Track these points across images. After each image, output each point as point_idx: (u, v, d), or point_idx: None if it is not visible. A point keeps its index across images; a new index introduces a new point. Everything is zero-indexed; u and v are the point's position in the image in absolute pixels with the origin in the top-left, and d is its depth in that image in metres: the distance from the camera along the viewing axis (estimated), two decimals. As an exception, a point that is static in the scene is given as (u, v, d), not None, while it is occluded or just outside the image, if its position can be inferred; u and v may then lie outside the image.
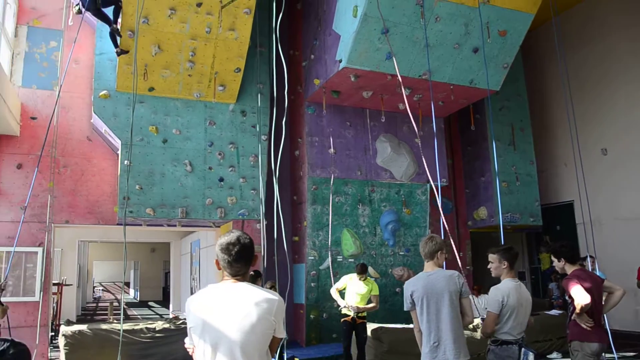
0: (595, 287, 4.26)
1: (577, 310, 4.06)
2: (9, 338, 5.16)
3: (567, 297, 4.35)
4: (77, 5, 7.65)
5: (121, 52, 8.18)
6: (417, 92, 9.31)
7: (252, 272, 6.21)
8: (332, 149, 9.88)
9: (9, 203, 8.65)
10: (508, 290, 4.04)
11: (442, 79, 8.87)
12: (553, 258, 4.55)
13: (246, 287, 2.48)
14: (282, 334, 2.50)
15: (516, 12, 8.54)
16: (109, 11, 7.92)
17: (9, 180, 8.71)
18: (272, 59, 7.22)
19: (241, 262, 2.51)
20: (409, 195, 10.53)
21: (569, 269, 4.39)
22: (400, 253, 10.34)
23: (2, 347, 4.96)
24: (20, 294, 8.54)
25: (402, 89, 6.68)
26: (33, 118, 9.02)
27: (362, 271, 7.28)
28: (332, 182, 9.73)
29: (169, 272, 22.02)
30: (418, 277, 3.96)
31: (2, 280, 6.67)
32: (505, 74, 9.22)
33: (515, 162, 11.59)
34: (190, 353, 2.56)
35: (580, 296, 4.09)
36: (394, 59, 7.44)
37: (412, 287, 3.91)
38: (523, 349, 4.01)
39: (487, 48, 8.48)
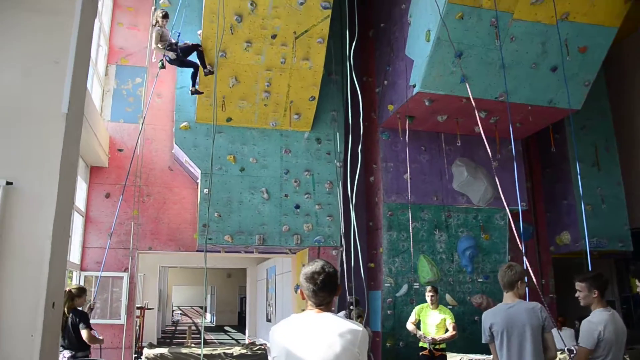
0: None
1: None
2: (100, 359, 5.36)
3: None
4: (160, 61, 8.02)
5: (195, 92, 8.43)
6: (494, 114, 9.04)
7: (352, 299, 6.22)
8: (407, 175, 9.73)
9: (98, 230, 9.08)
10: (604, 322, 3.75)
11: (519, 100, 8.58)
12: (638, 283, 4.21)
13: (330, 318, 2.47)
14: None
15: (597, 27, 8.13)
16: (192, 58, 8.27)
17: (98, 209, 9.18)
18: (346, 86, 7.25)
19: (325, 291, 2.50)
20: (487, 220, 10.18)
21: None
22: (479, 280, 9.95)
23: None
24: (107, 316, 8.98)
25: (477, 112, 6.48)
26: (120, 150, 9.51)
27: (434, 291, 7.23)
28: (408, 208, 9.58)
29: (245, 297, 22.33)
30: (497, 309, 3.77)
31: (91, 301, 6.91)
32: (587, 92, 8.78)
33: (600, 184, 10.93)
34: None
35: None
36: (466, 83, 7.24)
37: (491, 319, 3.73)
38: None
39: (567, 66, 8.08)
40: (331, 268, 2.54)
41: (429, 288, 7.54)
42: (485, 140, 5.87)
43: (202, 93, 8.45)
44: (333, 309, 2.62)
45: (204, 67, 8.19)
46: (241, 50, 8.38)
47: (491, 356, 3.87)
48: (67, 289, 5.49)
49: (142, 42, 9.98)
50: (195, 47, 8.14)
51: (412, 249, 9.42)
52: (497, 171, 7.25)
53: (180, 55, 7.95)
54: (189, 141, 9.02)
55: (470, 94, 6.35)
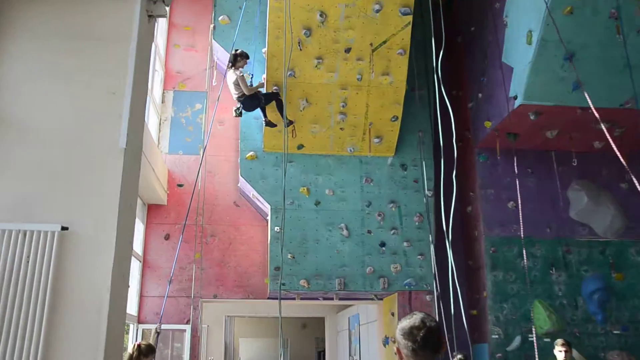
0: None
1: None
2: None
3: None
4: (237, 109, 8.40)
5: (269, 124, 8.68)
6: (619, 125, 8.59)
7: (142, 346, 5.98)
8: (511, 203, 9.48)
9: (157, 277, 9.28)
10: None
11: (653, 106, 8.08)
12: None
13: None
14: None
15: None
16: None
17: (157, 252, 9.40)
18: (434, 102, 7.31)
19: (428, 349, 2.41)
20: (619, 255, 9.58)
21: None
22: (615, 332, 9.29)
23: None
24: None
25: (600, 123, 6.17)
26: (180, 185, 9.77)
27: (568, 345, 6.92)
28: (514, 243, 9.31)
29: (323, 351, 22.19)
30: None
31: (157, 325, 7.23)
32: None
33: None
34: None
35: None
36: (583, 90, 6.95)
37: None
38: None
39: None
40: (433, 322, 2.47)
41: (560, 342, 7.15)
42: (619, 155, 5.59)
43: (275, 125, 8.66)
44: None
45: (282, 116, 8.50)
46: (311, 68, 8.55)
47: None
48: (137, 342, 5.72)
49: (200, 64, 10.34)
50: (276, 96, 8.54)
51: (524, 292, 9.13)
52: (628, 194, 6.83)
53: (263, 102, 8.43)
54: (257, 173, 9.22)
55: (590, 103, 6.11)
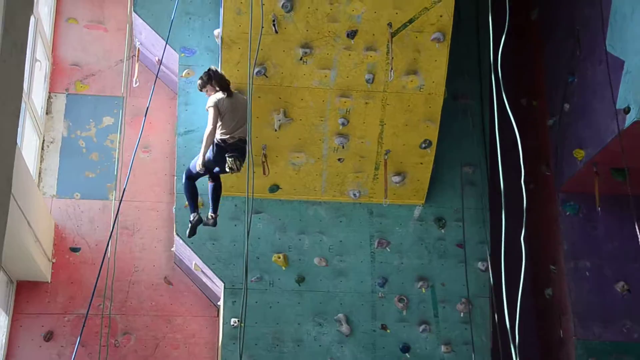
0: None
1: None
2: None
3: None
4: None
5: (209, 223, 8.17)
6: None
7: None
8: (622, 284, 9.03)
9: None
10: None
11: None
12: None
13: None
14: None
15: None
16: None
17: (29, 365, 8.97)
18: (491, 118, 7.27)
19: None
20: None
21: None
22: None
23: None
24: None
25: None
26: (74, 249, 9.27)
27: None
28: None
29: None
30: None
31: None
32: None
33: None
34: None
35: None
36: None
37: None
38: None
39: None
40: None
41: None
42: None
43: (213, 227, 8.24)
44: None
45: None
46: (293, 62, 8.19)
47: None
48: None
49: (112, 51, 10.03)
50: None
51: None
52: None
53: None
54: (202, 229, 8.39)
55: None
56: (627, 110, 7.76)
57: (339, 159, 8.69)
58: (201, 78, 7.92)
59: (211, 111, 7.67)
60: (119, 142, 9.39)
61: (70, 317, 8.88)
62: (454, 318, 8.79)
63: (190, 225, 7.95)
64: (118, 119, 9.47)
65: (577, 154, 8.83)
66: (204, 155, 7.66)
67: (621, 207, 9.14)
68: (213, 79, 7.82)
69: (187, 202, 8.10)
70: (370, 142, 8.61)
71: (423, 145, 8.64)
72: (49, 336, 8.78)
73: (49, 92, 9.61)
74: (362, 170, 8.83)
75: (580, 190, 9.21)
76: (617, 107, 7.89)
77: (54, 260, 9.10)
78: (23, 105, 8.48)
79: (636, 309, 9.12)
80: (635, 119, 7.61)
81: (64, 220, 9.31)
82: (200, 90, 7.97)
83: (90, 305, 7.28)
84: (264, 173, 8.41)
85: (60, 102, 9.58)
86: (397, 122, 8.50)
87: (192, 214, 7.93)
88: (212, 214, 8.05)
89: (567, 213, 9.39)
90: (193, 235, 8.03)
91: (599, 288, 9.10)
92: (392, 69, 8.09)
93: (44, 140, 9.49)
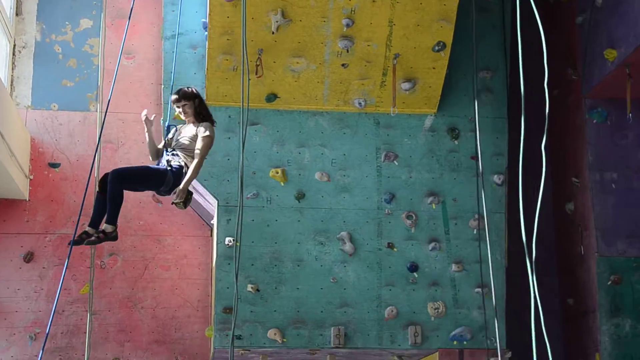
0: None
1: None
2: None
3: None
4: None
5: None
6: None
7: None
8: (652, 197, 8.60)
9: (9, 327, 8.48)
10: None
11: None
12: None
13: None
14: None
15: None
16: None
17: (9, 285, 8.57)
18: (512, 16, 7.70)
19: None
20: None
21: None
22: None
23: None
24: None
25: None
26: (53, 165, 8.97)
27: None
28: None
29: None
30: None
31: None
32: None
33: None
34: None
35: None
36: None
37: None
38: None
39: None
40: None
41: None
42: None
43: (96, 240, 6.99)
44: None
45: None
46: None
47: None
48: None
49: None
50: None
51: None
52: None
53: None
54: (195, 143, 8.42)
55: None
56: None
57: (342, 65, 8.17)
58: (187, 89, 7.06)
59: (210, 141, 6.85)
60: (100, 47, 9.14)
61: (51, 237, 8.58)
62: (466, 235, 8.41)
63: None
64: (98, 21, 9.14)
65: (608, 54, 8.32)
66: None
67: None
68: (197, 98, 6.98)
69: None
70: (377, 45, 8.08)
71: (436, 48, 8.11)
72: (29, 257, 8.49)
73: (20, -11, 9.29)
74: (368, 77, 8.33)
75: (610, 96, 8.84)
76: None
77: (31, 177, 8.72)
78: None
79: None
80: None
81: (41, 133, 8.90)
82: (178, 101, 6.91)
83: (77, 225, 6.63)
84: (257, 75, 7.93)
85: (31, 1, 9.07)
86: (408, 22, 7.93)
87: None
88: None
89: (594, 121, 8.98)
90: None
91: (626, 202, 8.84)
92: (402, -39, 7.90)
93: (14, 45, 9.00)
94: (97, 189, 6.77)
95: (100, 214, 6.60)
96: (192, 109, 6.83)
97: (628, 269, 8.67)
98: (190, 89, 7.13)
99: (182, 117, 6.95)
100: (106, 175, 6.46)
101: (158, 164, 6.83)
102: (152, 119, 6.80)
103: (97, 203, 6.67)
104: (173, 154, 6.73)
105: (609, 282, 8.59)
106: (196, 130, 6.69)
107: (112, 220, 6.47)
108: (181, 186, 6.45)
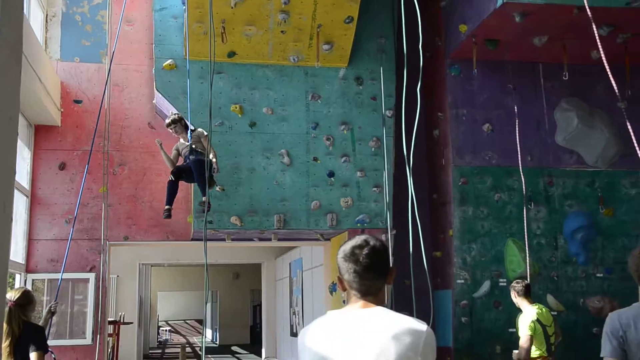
0: None
1: None
2: None
3: None
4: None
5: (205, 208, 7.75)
6: (623, 30, 8.74)
7: None
8: (487, 126, 9.73)
9: (50, 215, 9.18)
10: None
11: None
12: None
13: (382, 314, 2.46)
14: None
15: None
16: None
17: (49, 185, 9.26)
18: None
19: (372, 272, 2.51)
20: (610, 188, 10.03)
21: None
22: (597, 275, 9.83)
23: None
24: (66, 335, 9.13)
25: (596, 27, 6.31)
26: (77, 101, 9.57)
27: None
28: (488, 173, 9.57)
29: (260, 305, 22.58)
30: (634, 310, 3.69)
31: (52, 304, 7.03)
32: None
33: None
34: None
35: None
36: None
37: (624, 324, 3.64)
38: None
39: None
40: (378, 242, 2.55)
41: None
42: (608, 70, 5.74)
43: (209, 209, 7.87)
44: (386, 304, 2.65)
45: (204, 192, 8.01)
46: None
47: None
48: (8, 301, 5.33)
49: None
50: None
51: (497, 231, 9.48)
52: (627, 115, 7.04)
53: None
54: (176, 86, 9.09)
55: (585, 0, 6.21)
56: None
57: (282, 31, 9.00)
58: (175, 116, 8.29)
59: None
60: (108, 17, 9.64)
61: (77, 152, 9.21)
62: (367, 152, 9.45)
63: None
64: None
65: (461, 28, 9.17)
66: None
67: (491, 70, 9.71)
68: (182, 120, 8.28)
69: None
70: (306, 18, 8.89)
71: (347, 20, 8.99)
72: (62, 166, 9.19)
73: (50, -25, 9.52)
74: (299, 40, 9.15)
75: (462, 57, 9.58)
76: None
77: (62, 110, 9.31)
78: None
79: (495, 143, 9.64)
80: (504, 1, 7.98)
81: (68, 78, 9.43)
82: (170, 126, 8.23)
83: (93, 143, 8.11)
84: (223, 41, 8.74)
85: None
86: (327, 2, 8.74)
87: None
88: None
89: (452, 74, 9.83)
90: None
91: (471, 128, 9.73)
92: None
93: (47, 15, 9.52)
94: (172, 178, 8.15)
95: (172, 195, 8.20)
96: (182, 128, 8.17)
97: (472, 174, 9.62)
98: (176, 115, 8.33)
99: (175, 135, 8.27)
100: (177, 168, 8.17)
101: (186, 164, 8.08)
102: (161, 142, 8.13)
103: (170, 187, 8.23)
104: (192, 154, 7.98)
105: (460, 183, 9.58)
106: (195, 136, 8.07)
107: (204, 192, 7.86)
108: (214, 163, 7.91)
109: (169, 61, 9.15)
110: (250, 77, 9.42)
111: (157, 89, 9.26)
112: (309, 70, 9.55)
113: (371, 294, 2.52)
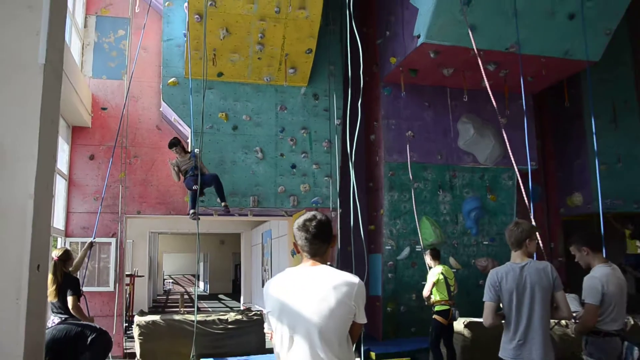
0: None
1: None
2: (97, 326, 5.46)
3: None
4: (192, 212, 7.90)
5: (195, 217, 7.67)
6: (504, 67, 8.95)
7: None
8: (410, 132, 9.79)
9: (82, 194, 9.16)
10: (605, 276, 3.87)
11: (532, 52, 8.44)
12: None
13: (325, 270, 2.51)
14: (363, 319, 2.50)
15: (620, -30, 7.89)
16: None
17: (82, 172, 9.24)
18: (345, 37, 7.12)
19: (319, 238, 2.54)
20: (494, 180, 10.25)
21: None
22: (484, 242, 10.09)
23: (91, 336, 5.20)
24: (95, 284, 9.10)
25: (484, 64, 6.40)
26: (104, 109, 9.49)
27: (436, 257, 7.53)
28: (409, 167, 9.59)
29: (239, 264, 22.57)
30: (507, 268, 3.76)
31: (91, 240, 7.11)
32: (606, 42, 8.61)
33: (617, 142, 10.71)
34: (269, 339, 2.62)
35: None
36: (470, 33, 7.09)
37: (499, 277, 3.73)
38: (626, 343, 3.81)
39: (586, 13, 7.91)
40: (324, 216, 2.60)
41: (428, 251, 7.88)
42: (491, 96, 5.85)
43: (199, 219, 7.69)
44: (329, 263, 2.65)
45: (222, 199, 8.12)
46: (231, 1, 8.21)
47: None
48: (53, 257, 5.52)
49: None
50: (216, 180, 8.10)
51: (414, 210, 9.51)
52: (506, 128, 7.18)
53: (203, 185, 7.89)
54: (178, 98, 8.97)
55: (474, 45, 6.29)
56: (418, 37, 8.21)
57: (258, 58, 8.90)
58: (174, 140, 8.02)
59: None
60: (128, 46, 9.59)
61: (103, 147, 9.22)
62: (321, 150, 9.43)
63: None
64: (127, 31, 9.62)
65: (392, 60, 9.23)
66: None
67: (413, 91, 9.74)
68: (180, 142, 8.05)
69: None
70: (277, 49, 8.82)
71: (307, 51, 8.95)
72: (92, 157, 9.21)
73: (86, 14, 9.57)
74: (272, 65, 9.06)
75: (393, 81, 9.61)
76: (414, 34, 8.32)
77: (92, 115, 9.31)
78: (69, 20, 8.68)
79: (415, 146, 9.66)
80: (422, 42, 8.12)
81: (97, 91, 9.44)
82: (171, 148, 7.97)
83: (116, 141, 8.21)
84: (214, 65, 8.75)
85: (92, 20, 9.58)
86: (293, 37, 8.70)
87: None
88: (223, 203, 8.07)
89: (385, 93, 9.81)
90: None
91: (398, 134, 9.72)
92: (290, 5, 8.27)
93: (83, 43, 9.52)
94: (196, 188, 7.56)
95: (194, 201, 7.77)
96: (181, 149, 7.99)
97: (398, 168, 9.64)
98: (175, 138, 8.13)
99: (177, 156, 7.99)
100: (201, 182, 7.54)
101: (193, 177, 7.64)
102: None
103: (194, 195, 7.81)
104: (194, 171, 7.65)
105: (389, 175, 9.65)
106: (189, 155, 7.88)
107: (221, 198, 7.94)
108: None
109: (173, 79, 9.03)
110: (234, 92, 9.31)
111: (163, 100, 9.13)
112: (278, 88, 9.46)
113: (318, 255, 2.57)
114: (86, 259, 6.89)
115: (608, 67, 10.45)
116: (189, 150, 8.38)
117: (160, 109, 9.60)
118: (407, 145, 9.65)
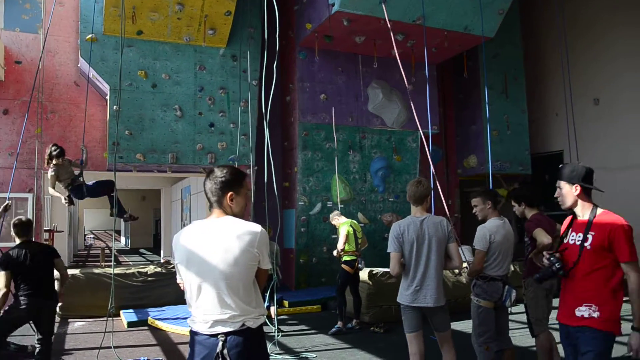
0: (551, 230, 4.31)
1: (538, 250, 4.05)
2: None
3: (526, 239, 4.52)
4: (66, 197, 7.06)
5: (131, 219, 7.18)
6: (411, 37, 9.24)
7: None
8: (323, 95, 9.92)
9: (-1, 149, 8.66)
10: (495, 228, 4.23)
11: (436, 25, 8.80)
12: (513, 203, 4.70)
13: (229, 220, 2.51)
14: (267, 265, 2.52)
15: (513, -45, 8.40)
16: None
17: (-4, 127, 8.72)
18: (264, 2, 7.02)
19: (223, 190, 2.53)
20: (400, 142, 10.64)
21: (529, 213, 4.57)
22: (390, 199, 10.52)
23: None
24: (11, 240, 8.59)
25: (393, 35, 6.60)
26: (18, 62, 8.98)
27: None
28: (323, 129, 9.80)
29: (160, 219, 22.24)
30: (408, 220, 3.98)
31: (6, 202, 6.55)
32: (500, 21, 9.13)
33: (507, 111, 11.53)
34: (182, 288, 2.67)
35: (542, 237, 4.14)
36: (383, 5, 7.30)
37: (402, 229, 3.93)
38: (507, 286, 4.21)
39: (483, -8, 8.35)
40: (233, 169, 2.61)
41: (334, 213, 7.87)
42: (400, 64, 6.05)
43: (137, 219, 7.33)
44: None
45: (123, 213, 7.06)
46: None
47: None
48: None
49: None
50: (108, 190, 7.03)
51: (327, 169, 9.73)
52: (411, 95, 7.52)
53: (86, 194, 6.96)
54: (96, 55, 8.56)
55: (386, 16, 6.45)
56: (333, 5, 8.32)
57: (178, 18, 8.69)
58: (56, 150, 6.79)
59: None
60: None
61: (17, 102, 8.76)
62: (238, 110, 9.27)
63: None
64: None
65: (307, 26, 9.33)
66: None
67: (327, 56, 9.88)
68: (63, 153, 6.89)
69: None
70: (196, 9, 8.65)
71: (226, 13, 8.80)
72: (5, 112, 8.75)
73: (-4, -39, 8.63)
74: (191, 25, 8.87)
75: (308, 46, 9.73)
76: (329, 2, 8.42)
77: (5, 68, 8.79)
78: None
79: (328, 108, 9.85)
80: (336, 10, 8.28)
81: (10, 44, 8.88)
82: (58, 158, 6.78)
83: (31, 96, 7.33)
84: (133, 22, 8.43)
85: None
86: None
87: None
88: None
89: (300, 57, 9.90)
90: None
91: (312, 97, 9.87)
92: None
93: None
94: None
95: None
96: (66, 159, 6.91)
97: (311, 128, 9.82)
98: (61, 148, 6.81)
99: (61, 163, 6.82)
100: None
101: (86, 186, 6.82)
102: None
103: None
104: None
105: (303, 135, 9.65)
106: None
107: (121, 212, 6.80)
108: None
109: (91, 35, 8.42)
110: (154, 51, 9.04)
111: (81, 56, 8.73)
112: (197, 48, 9.27)
113: (223, 206, 2.55)
114: (1, 220, 6.53)
115: (501, 43, 11.15)
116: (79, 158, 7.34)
117: (78, 65, 9.17)
118: (322, 108, 9.86)
